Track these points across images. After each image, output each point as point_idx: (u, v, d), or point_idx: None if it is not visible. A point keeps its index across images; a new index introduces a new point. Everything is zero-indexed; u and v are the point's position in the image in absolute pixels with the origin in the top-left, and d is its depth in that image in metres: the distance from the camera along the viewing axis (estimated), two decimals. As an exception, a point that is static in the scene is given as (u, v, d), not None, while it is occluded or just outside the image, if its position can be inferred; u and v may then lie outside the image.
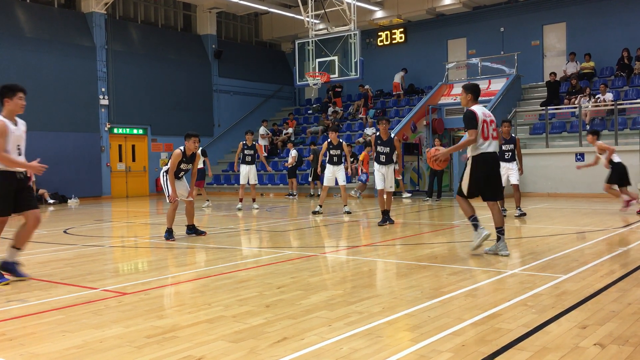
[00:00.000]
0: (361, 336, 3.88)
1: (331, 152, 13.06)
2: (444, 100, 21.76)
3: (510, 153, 11.64)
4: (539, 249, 7.45)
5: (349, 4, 19.71)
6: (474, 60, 22.82)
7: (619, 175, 11.85)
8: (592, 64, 20.91)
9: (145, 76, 23.39)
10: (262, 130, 24.50)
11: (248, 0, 23.43)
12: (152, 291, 5.48)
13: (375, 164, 10.89)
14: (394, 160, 10.88)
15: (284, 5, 24.93)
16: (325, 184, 13.34)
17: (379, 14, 25.18)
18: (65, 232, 10.99)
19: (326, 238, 9.45)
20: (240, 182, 15.20)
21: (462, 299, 4.85)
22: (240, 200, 15.27)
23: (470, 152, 6.99)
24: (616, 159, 11.99)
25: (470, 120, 6.86)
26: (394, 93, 24.62)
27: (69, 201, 19.91)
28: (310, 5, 20.06)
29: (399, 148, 10.72)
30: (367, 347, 3.65)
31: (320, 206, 13.19)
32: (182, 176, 9.22)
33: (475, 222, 7.06)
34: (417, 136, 20.93)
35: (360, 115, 24.41)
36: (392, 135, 11.04)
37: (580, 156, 17.04)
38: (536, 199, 16.61)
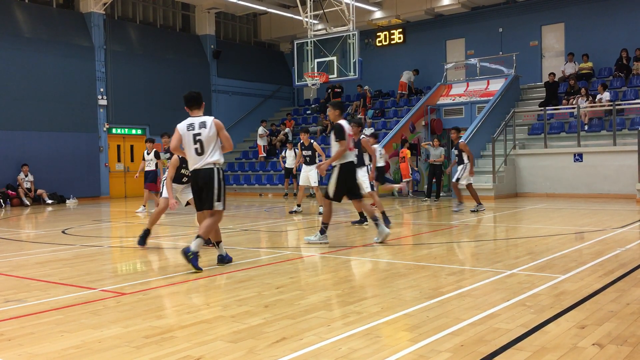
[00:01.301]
0: (360, 336, 3.88)
1: (303, 152, 13.45)
2: (442, 100, 21.77)
3: (458, 158, 13.32)
4: (537, 249, 7.46)
5: (347, 5, 19.71)
6: (473, 61, 22.83)
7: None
8: (590, 64, 20.93)
9: (143, 76, 23.37)
10: (260, 130, 24.50)
11: (247, 1, 23.42)
12: (151, 291, 5.48)
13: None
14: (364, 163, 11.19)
15: (283, 6, 24.92)
16: (300, 183, 13.89)
17: (378, 14, 25.18)
18: (63, 232, 10.98)
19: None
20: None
21: (460, 299, 4.86)
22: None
23: (338, 161, 8.00)
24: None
25: (341, 133, 7.93)
26: (399, 92, 24.57)
27: (67, 201, 19.89)
28: (308, 5, 20.06)
29: (371, 150, 10.89)
30: (366, 347, 3.65)
31: (299, 205, 13.74)
32: (186, 181, 8.39)
33: (369, 221, 8.26)
34: (416, 136, 20.94)
35: (358, 116, 24.40)
36: (361, 137, 11.09)
37: (578, 156, 17.07)
38: (535, 199, 16.63)
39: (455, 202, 13.53)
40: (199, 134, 6.48)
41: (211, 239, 6.91)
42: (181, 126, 6.62)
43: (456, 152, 13.35)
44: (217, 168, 6.50)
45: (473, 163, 13.41)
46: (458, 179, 13.38)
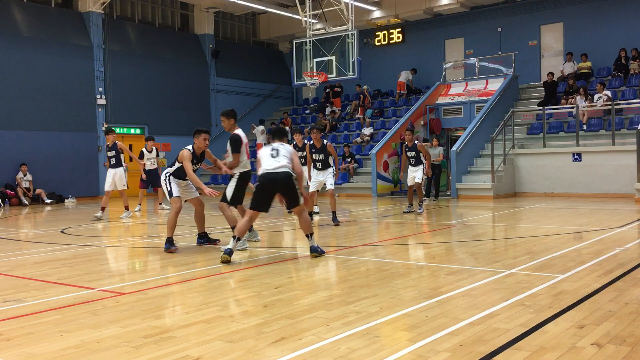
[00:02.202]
0: (359, 336, 3.88)
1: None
2: (441, 100, 21.77)
3: (415, 159, 13.40)
4: (536, 249, 7.46)
5: (346, 4, 19.70)
6: (472, 60, 22.82)
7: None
8: (589, 64, 20.94)
9: (142, 76, 23.34)
10: (260, 128, 24.49)
11: (246, 0, 23.40)
12: (150, 291, 5.48)
13: (313, 169, 11.43)
14: (331, 164, 11.35)
15: (282, 5, 24.91)
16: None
17: (377, 13, 25.17)
18: (62, 232, 10.98)
19: (323, 239, 9.43)
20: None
21: (459, 299, 4.86)
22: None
23: (238, 169, 7.96)
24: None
25: (237, 145, 7.88)
26: (397, 92, 24.57)
27: (66, 201, 19.87)
28: (307, 5, 20.04)
29: (334, 153, 11.36)
30: (365, 347, 3.65)
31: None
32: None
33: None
34: (415, 136, 20.93)
35: (357, 115, 24.42)
36: (325, 142, 11.28)
37: (577, 156, 17.08)
38: (533, 199, 16.64)
39: (417, 204, 13.15)
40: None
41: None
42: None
43: (412, 153, 13.28)
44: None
45: (430, 163, 13.24)
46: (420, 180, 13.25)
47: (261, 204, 7.07)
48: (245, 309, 4.71)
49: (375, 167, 19.13)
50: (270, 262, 6.93)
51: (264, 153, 7.24)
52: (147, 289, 5.56)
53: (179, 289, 5.63)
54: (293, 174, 7.08)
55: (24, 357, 3.64)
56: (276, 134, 7.61)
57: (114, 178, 13.23)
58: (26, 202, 18.89)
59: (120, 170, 13.26)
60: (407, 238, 9.19)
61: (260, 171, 7.12)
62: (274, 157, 7.08)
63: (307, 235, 7.25)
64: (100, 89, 21.91)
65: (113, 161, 13.26)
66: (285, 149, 7.21)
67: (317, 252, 7.13)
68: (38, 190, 19.44)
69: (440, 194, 17.60)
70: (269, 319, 4.36)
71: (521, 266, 6.27)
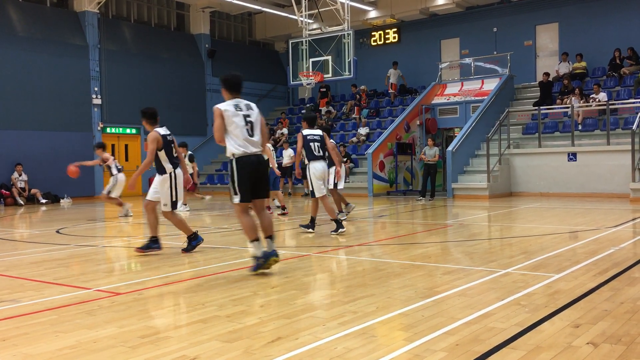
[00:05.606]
0: (355, 336, 3.89)
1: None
2: (437, 100, 21.80)
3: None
4: (531, 249, 7.48)
5: (342, 4, 19.72)
6: (467, 60, 22.86)
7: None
8: (584, 64, 21.00)
9: (138, 75, 23.31)
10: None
11: (241, 0, 23.39)
12: (146, 291, 5.47)
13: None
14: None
15: (278, 5, 24.90)
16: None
17: (373, 13, 25.19)
18: (57, 232, 10.95)
19: (320, 238, 9.44)
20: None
21: (455, 299, 4.87)
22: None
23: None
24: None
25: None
26: (391, 92, 24.58)
27: (61, 201, 19.83)
28: (303, 4, 20.05)
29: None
30: (361, 347, 3.66)
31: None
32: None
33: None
34: (411, 136, 20.98)
35: (353, 115, 24.43)
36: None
37: (572, 156, 17.13)
38: (529, 199, 16.68)
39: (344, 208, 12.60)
40: (249, 115, 6.09)
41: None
42: (225, 107, 6.01)
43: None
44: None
45: (340, 165, 12.06)
46: (336, 184, 11.96)
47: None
48: (242, 308, 4.71)
49: (371, 167, 19.15)
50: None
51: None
52: (143, 289, 5.56)
53: (175, 288, 5.63)
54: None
55: (19, 357, 3.63)
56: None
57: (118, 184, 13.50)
58: (21, 202, 18.83)
59: (117, 176, 13.46)
60: (403, 238, 9.20)
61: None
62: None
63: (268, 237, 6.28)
64: (96, 89, 21.86)
65: (114, 171, 13.57)
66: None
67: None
68: (33, 190, 19.39)
69: (435, 194, 17.61)
70: (265, 318, 4.36)
71: (517, 266, 6.29)
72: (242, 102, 6.17)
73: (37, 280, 6.11)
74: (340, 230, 9.37)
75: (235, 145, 5.98)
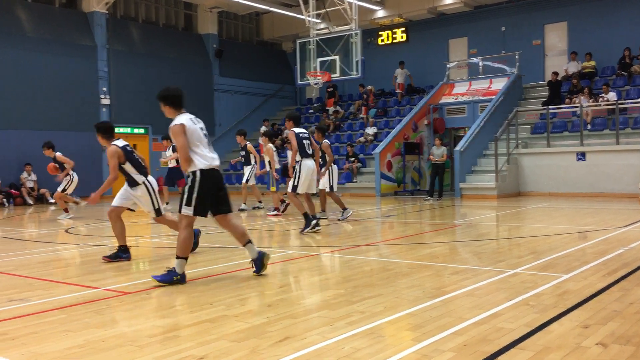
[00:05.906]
0: (363, 336, 3.88)
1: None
2: (445, 99, 21.74)
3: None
4: (540, 249, 7.45)
5: (350, 4, 19.70)
6: (475, 60, 22.78)
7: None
8: (593, 63, 20.88)
9: (146, 76, 23.37)
10: (263, 129, 24.48)
11: (249, 0, 23.42)
12: (154, 290, 5.49)
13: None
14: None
15: (285, 5, 24.91)
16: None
17: (380, 13, 25.16)
18: (66, 231, 11.00)
19: (327, 238, 9.44)
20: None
21: (463, 299, 4.85)
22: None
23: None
24: None
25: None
26: (398, 92, 24.54)
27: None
28: (311, 4, 20.06)
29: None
30: (369, 347, 3.65)
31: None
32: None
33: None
34: (418, 135, 20.93)
35: (361, 115, 24.41)
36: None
37: (581, 155, 17.04)
38: (537, 199, 16.61)
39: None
40: (203, 128, 5.97)
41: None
42: (186, 121, 5.82)
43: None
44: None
45: (329, 166, 11.86)
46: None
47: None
48: (249, 308, 4.71)
49: (378, 166, 19.12)
50: (274, 262, 6.93)
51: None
52: (151, 288, 5.57)
53: (182, 288, 5.64)
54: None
55: (28, 356, 3.65)
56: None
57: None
58: (30, 202, 18.94)
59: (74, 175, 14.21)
60: (411, 238, 9.18)
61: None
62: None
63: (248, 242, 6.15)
64: (104, 89, 21.95)
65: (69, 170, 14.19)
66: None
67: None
68: (42, 190, 19.49)
69: (443, 194, 17.57)
70: (273, 318, 4.36)
71: (525, 266, 6.26)
72: (192, 115, 5.97)
73: (46, 279, 6.14)
74: (307, 229, 9.43)
75: (202, 160, 5.75)
